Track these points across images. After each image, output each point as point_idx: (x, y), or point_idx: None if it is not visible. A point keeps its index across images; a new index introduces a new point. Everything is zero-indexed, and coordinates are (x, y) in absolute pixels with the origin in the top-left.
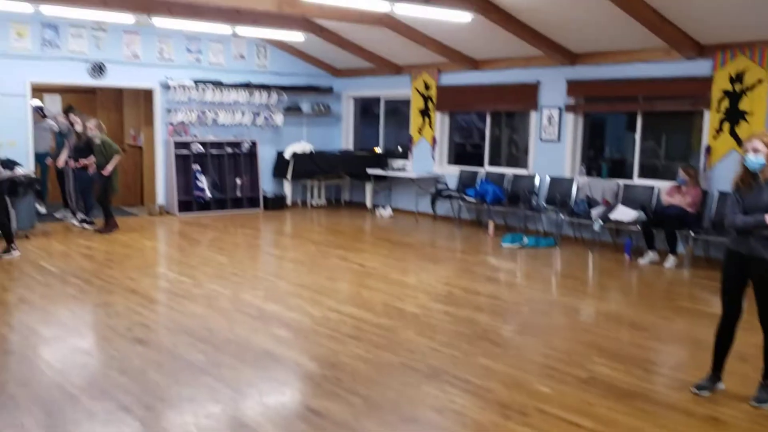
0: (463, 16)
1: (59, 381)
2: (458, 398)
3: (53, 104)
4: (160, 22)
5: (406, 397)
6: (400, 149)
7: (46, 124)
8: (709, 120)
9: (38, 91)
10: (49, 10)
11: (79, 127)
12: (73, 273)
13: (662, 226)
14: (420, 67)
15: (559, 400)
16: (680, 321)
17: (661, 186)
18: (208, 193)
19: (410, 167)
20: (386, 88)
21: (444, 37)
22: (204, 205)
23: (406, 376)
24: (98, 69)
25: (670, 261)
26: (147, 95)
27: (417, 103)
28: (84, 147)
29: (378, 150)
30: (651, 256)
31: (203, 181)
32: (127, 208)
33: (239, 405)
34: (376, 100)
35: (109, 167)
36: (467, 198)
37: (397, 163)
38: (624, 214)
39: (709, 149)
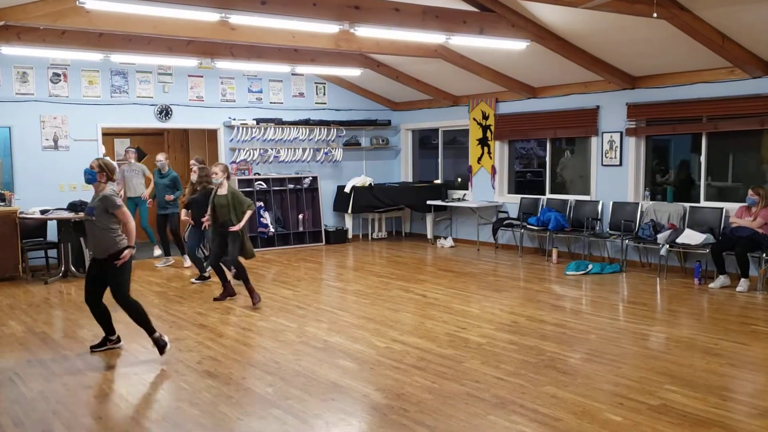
0: (518, 45)
1: (133, 414)
2: (526, 428)
3: (123, 148)
4: (223, 64)
5: (472, 427)
6: (459, 180)
7: (136, 168)
8: None
9: (108, 135)
10: (117, 58)
11: (194, 176)
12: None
13: (732, 248)
14: (477, 97)
15: (631, 429)
16: (756, 346)
17: (730, 207)
18: (272, 229)
19: (470, 197)
20: (444, 119)
21: (500, 66)
22: (268, 241)
23: (473, 406)
24: (165, 112)
25: (743, 284)
26: (211, 135)
27: (475, 133)
28: (201, 200)
29: (437, 181)
30: (722, 279)
31: (266, 217)
32: None
33: None
34: (434, 132)
35: (242, 223)
36: (529, 226)
37: (457, 193)
38: (691, 237)
39: None
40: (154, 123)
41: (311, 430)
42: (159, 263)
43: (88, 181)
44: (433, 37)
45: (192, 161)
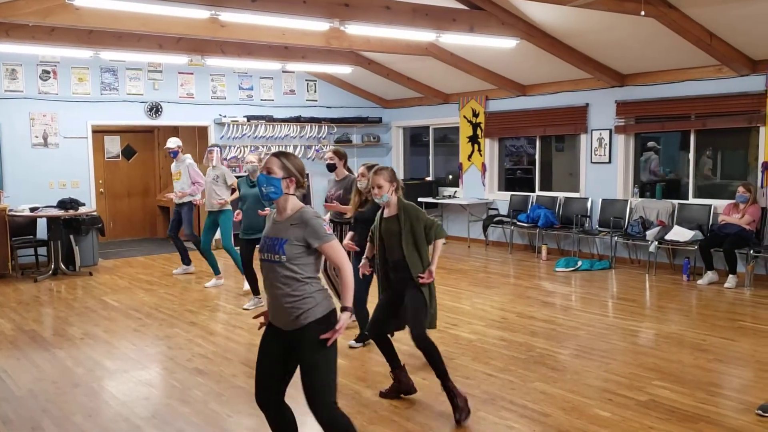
0: (507, 43)
1: (124, 412)
2: (515, 423)
3: (113, 145)
4: (213, 61)
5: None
6: (450, 177)
7: (218, 172)
8: (766, 136)
9: (98, 132)
10: (107, 55)
11: (363, 182)
12: (135, 307)
13: (720, 245)
14: (467, 95)
15: (619, 424)
16: (743, 342)
17: (718, 204)
18: None
19: (461, 194)
20: (434, 117)
21: (490, 63)
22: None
23: None
24: (155, 109)
25: (730, 281)
26: (202, 132)
27: (465, 131)
28: (372, 216)
29: (428, 178)
30: (710, 276)
31: None
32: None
33: None
34: (425, 129)
35: (433, 266)
36: (519, 223)
37: (448, 190)
38: (680, 234)
39: (766, 165)
40: (144, 120)
41: (302, 427)
42: (247, 304)
43: (267, 198)
44: (424, 35)
45: (361, 169)
